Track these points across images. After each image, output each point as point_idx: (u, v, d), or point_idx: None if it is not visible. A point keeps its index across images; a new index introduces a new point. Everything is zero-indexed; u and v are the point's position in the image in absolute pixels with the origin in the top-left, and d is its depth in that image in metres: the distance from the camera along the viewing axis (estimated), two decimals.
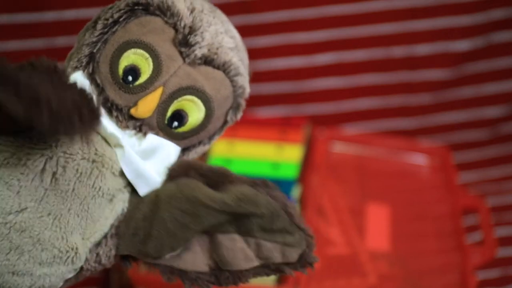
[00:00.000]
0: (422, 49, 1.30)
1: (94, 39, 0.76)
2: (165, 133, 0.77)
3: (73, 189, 0.73)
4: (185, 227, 0.73)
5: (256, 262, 0.75)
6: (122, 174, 0.75)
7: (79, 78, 0.75)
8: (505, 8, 1.28)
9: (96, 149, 0.74)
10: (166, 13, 0.77)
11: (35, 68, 0.71)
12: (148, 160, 0.76)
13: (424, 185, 1.21)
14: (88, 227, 0.74)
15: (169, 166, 0.76)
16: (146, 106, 0.75)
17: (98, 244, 0.75)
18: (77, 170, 0.73)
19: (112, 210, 0.75)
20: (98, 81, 0.76)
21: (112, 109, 0.75)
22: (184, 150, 0.79)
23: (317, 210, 1.12)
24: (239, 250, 0.74)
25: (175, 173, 0.76)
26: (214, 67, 0.78)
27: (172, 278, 0.76)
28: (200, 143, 0.80)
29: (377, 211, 1.15)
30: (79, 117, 0.68)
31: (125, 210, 0.75)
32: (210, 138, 0.81)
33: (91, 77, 0.76)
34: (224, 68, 0.78)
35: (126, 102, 0.75)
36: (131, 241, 0.75)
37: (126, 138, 0.75)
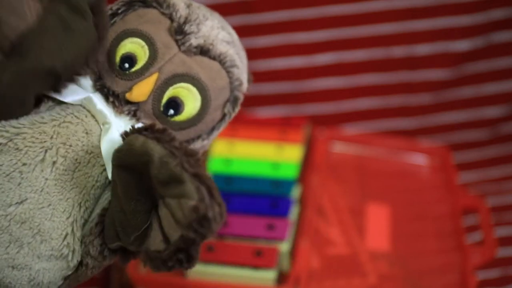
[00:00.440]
0: (422, 49, 1.30)
1: None
2: (161, 122, 0.77)
3: (72, 179, 0.73)
4: (117, 197, 0.71)
5: (179, 232, 0.68)
6: None
7: None
8: (505, 8, 1.28)
9: (93, 140, 0.75)
10: (163, 4, 0.80)
11: None
12: None
13: (424, 185, 1.21)
14: (87, 217, 0.74)
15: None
16: (140, 89, 0.76)
17: (87, 235, 0.75)
18: (76, 160, 0.74)
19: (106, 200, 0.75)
20: (95, 69, 0.78)
21: (109, 95, 0.77)
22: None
23: (317, 210, 1.12)
24: (165, 217, 0.69)
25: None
26: (210, 57, 0.79)
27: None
28: (199, 137, 0.80)
29: (377, 211, 1.15)
30: None
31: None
32: (209, 133, 0.81)
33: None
34: (220, 59, 0.80)
35: (122, 88, 0.77)
36: (108, 231, 0.74)
37: (117, 120, 0.76)
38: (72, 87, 0.77)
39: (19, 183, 0.72)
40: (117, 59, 0.78)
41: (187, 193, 0.66)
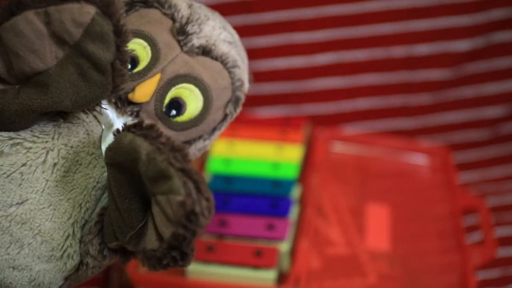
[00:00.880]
0: (422, 49, 1.30)
1: None
2: (163, 123, 0.78)
3: (73, 180, 0.73)
4: (111, 195, 0.72)
5: (171, 229, 0.68)
6: None
7: None
8: (505, 8, 1.28)
9: (94, 141, 0.75)
10: (164, 5, 0.79)
11: None
12: None
13: (424, 185, 1.21)
14: (88, 217, 0.74)
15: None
16: (143, 90, 0.76)
17: (86, 234, 0.75)
18: (77, 161, 0.74)
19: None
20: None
21: (111, 96, 0.76)
22: (185, 144, 0.79)
23: (317, 210, 1.12)
24: (157, 215, 0.69)
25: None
26: (212, 58, 0.79)
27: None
28: (200, 137, 0.80)
29: (377, 211, 1.15)
30: None
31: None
32: (211, 133, 0.81)
33: None
34: (222, 59, 0.80)
35: (124, 89, 0.76)
36: (106, 230, 0.75)
37: (119, 121, 0.76)
38: None
39: (20, 184, 0.72)
40: None
41: (174, 188, 0.65)
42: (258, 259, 0.99)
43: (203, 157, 1.14)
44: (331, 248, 1.09)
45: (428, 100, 1.32)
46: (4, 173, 0.72)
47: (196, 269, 0.99)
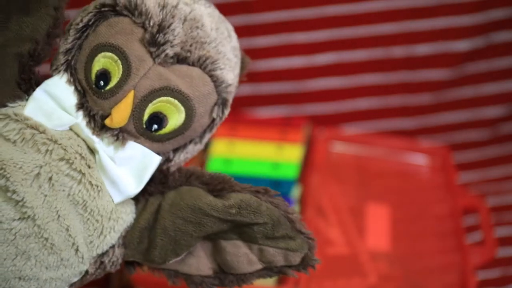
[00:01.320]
0: (422, 49, 1.30)
1: (69, 46, 0.75)
2: (147, 138, 0.74)
3: (69, 194, 0.72)
4: (188, 235, 0.73)
5: (259, 266, 0.75)
6: None
7: (61, 84, 0.74)
8: (505, 8, 1.28)
9: (90, 157, 0.74)
10: (134, 12, 0.73)
11: None
12: (124, 167, 0.74)
13: (424, 185, 1.21)
14: (93, 230, 0.74)
15: (163, 174, 0.76)
16: (119, 114, 0.72)
17: (104, 254, 0.75)
18: (72, 176, 0.72)
19: (120, 221, 0.75)
20: (79, 87, 0.74)
21: (90, 118, 0.74)
22: (174, 151, 0.77)
23: (317, 210, 1.12)
24: (242, 255, 0.74)
25: (177, 181, 0.75)
26: (189, 64, 0.74)
27: (177, 282, 0.76)
28: (191, 142, 0.77)
29: (377, 211, 1.15)
30: None
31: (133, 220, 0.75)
32: (201, 136, 0.77)
33: (73, 83, 0.75)
34: (200, 63, 0.74)
35: (98, 108, 0.73)
36: (136, 249, 0.75)
37: (103, 145, 0.74)
38: (57, 112, 0.74)
39: (23, 198, 0.71)
40: (93, 76, 0.73)
41: (298, 247, 0.75)
42: None
43: (203, 157, 1.14)
44: (331, 248, 1.09)
45: (428, 100, 1.32)
46: (6, 188, 0.71)
47: None
